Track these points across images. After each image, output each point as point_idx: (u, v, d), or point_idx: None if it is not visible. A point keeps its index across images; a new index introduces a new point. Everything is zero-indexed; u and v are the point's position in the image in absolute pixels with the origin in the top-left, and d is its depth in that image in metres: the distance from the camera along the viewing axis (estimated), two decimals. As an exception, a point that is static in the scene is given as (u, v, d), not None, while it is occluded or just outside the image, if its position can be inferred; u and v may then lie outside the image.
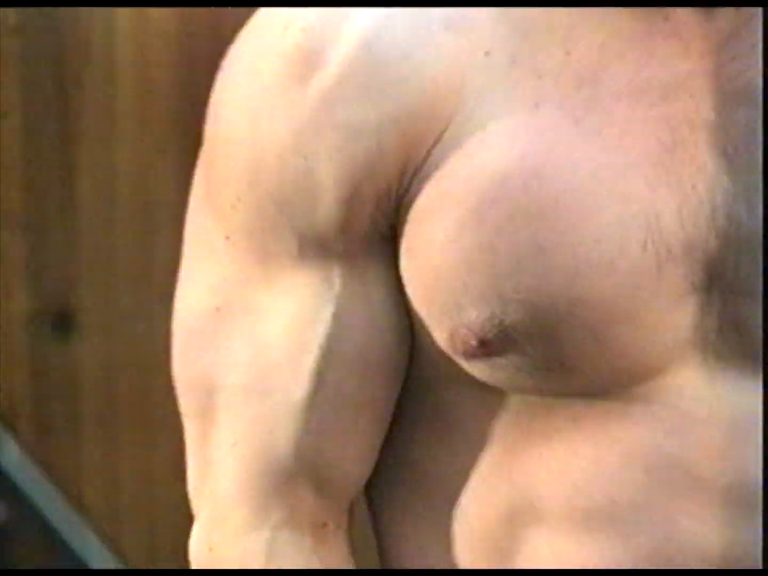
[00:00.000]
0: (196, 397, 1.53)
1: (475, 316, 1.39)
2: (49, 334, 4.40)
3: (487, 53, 1.42)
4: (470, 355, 1.40)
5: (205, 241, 1.51)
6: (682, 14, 1.40)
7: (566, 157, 1.41)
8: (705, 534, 1.44)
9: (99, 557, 4.42)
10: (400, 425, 1.53)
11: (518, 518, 1.47)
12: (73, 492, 4.39)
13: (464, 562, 1.51)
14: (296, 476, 1.47)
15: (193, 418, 1.53)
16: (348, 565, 1.50)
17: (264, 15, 1.46)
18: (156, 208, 4.38)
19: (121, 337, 4.33)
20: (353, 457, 1.50)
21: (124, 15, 4.43)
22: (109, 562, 4.41)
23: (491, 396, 1.46)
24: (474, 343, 1.40)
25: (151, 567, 4.37)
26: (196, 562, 1.55)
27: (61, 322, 4.40)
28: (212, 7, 4.60)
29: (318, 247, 1.43)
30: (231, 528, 1.50)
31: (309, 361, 1.45)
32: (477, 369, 1.41)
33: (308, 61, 1.40)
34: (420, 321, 1.44)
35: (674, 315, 1.42)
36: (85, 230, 4.39)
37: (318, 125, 1.41)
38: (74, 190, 4.42)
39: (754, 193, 1.40)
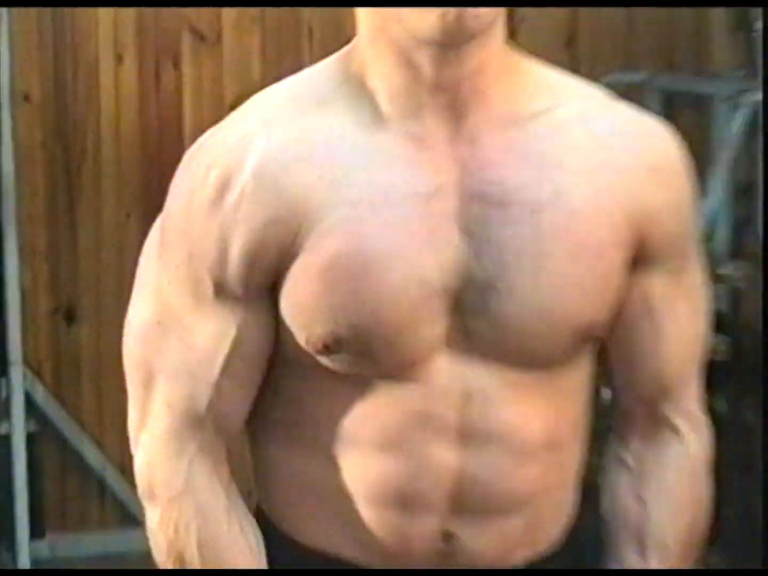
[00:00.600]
0: (140, 375, 1.84)
1: (321, 331, 1.75)
2: (63, 322, 5.18)
3: (320, 177, 1.73)
4: (319, 352, 1.77)
5: (153, 280, 1.84)
6: (440, 146, 1.73)
7: (371, 239, 1.74)
8: (446, 457, 1.79)
9: (91, 454, 5.11)
10: (279, 388, 1.87)
11: (343, 443, 1.82)
12: (73, 412, 5.08)
13: (307, 466, 1.86)
14: (204, 422, 1.81)
15: (138, 387, 1.84)
16: (233, 484, 1.83)
17: (193, 159, 1.78)
18: (128, 244, 4.85)
19: (105, 327, 4.84)
20: (239, 410, 1.84)
21: (111, 121, 5.12)
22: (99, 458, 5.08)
23: (330, 374, 1.80)
24: (320, 345, 1.76)
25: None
26: (144, 482, 1.85)
27: (69, 315, 5.18)
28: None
29: (228, 292, 1.77)
30: (165, 455, 1.82)
31: (219, 357, 1.79)
32: (323, 360, 1.78)
33: (222, 189, 1.73)
34: (292, 331, 1.78)
35: (435, 327, 1.77)
36: (83, 256, 5.16)
37: (230, 226, 1.74)
38: (76, 230, 5.16)
39: (482, 255, 1.73)
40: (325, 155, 1.72)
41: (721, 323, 4.08)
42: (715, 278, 4.16)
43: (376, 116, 1.72)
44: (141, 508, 3.66)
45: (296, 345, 1.76)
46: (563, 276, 1.73)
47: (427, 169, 1.71)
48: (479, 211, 1.70)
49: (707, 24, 5.08)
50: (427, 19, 1.60)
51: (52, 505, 5.06)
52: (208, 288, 1.75)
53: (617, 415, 1.93)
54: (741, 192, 4.40)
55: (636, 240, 1.78)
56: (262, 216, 1.72)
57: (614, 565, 1.88)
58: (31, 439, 4.76)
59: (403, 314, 1.72)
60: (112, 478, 5.12)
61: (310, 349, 1.74)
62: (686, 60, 5.15)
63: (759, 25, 4.57)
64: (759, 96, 4.14)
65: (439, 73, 1.67)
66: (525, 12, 5.10)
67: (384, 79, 1.71)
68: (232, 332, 1.76)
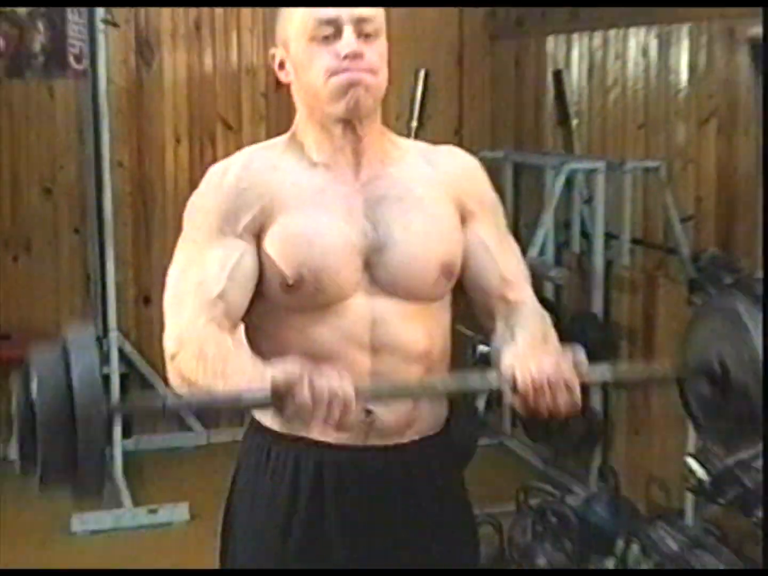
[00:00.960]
0: (173, 302, 1.77)
1: (290, 273, 1.74)
2: (142, 304, 5.11)
3: (285, 179, 1.78)
4: (286, 288, 1.75)
5: (182, 246, 1.80)
6: (348, 176, 1.80)
7: (315, 223, 1.77)
8: (363, 360, 1.77)
9: (159, 385, 4.79)
10: (261, 317, 1.81)
11: (299, 353, 1.68)
12: (148, 359, 4.98)
13: (275, 351, 1.72)
14: (215, 305, 1.73)
15: (171, 307, 1.76)
16: (240, 344, 1.74)
17: (211, 173, 1.82)
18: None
19: None
20: (239, 303, 1.76)
21: (172, 180, 5.09)
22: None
23: (290, 309, 1.78)
24: (289, 282, 1.74)
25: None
26: (168, 350, 1.73)
27: (146, 299, 5.10)
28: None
29: (232, 234, 1.75)
30: (189, 321, 1.73)
31: (227, 267, 1.74)
32: (288, 296, 1.75)
33: (228, 185, 1.77)
34: (269, 276, 1.76)
35: (355, 275, 1.76)
36: (154, 264, 4.98)
37: (234, 201, 1.76)
38: (150, 247, 5.08)
39: (377, 229, 1.77)
40: (285, 173, 1.80)
41: (548, 307, 4.16)
42: (546, 278, 4.17)
43: (310, 161, 1.81)
44: (193, 418, 3.48)
45: (270, 290, 1.76)
46: (424, 235, 1.80)
47: (344, 187, 1.80)
48: (373, 206, 1.79)
49: (542, 121, 5.07)
50: (338, 105, 1.74)
51: (136, 417, 4.83)
52: (220, 233, 1.75)
53: (484, 320, 1.89)
54: (561, 225, 4.42)
55: (458, 207, 1.85)
56: (251, 193, 1.76)
57: (502, 340, 1.80)
58: (122, 377, 4.68)
59: (337, 261, 1.75)
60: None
61: (280, 288, 1.75)
62: (528, 144, 5.14)
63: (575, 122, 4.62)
64: (574, 166, 4.18)
65: (345, 137, 1.79)
66: (430, 112, 5.04)
67: (314, 143, 1.81)
68: (235, 254, 1.74)
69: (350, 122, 1.77)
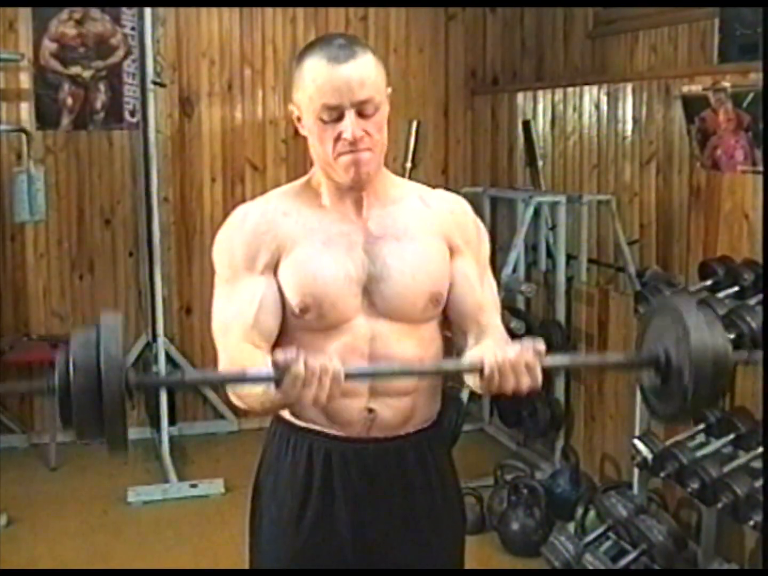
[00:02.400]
0: (221, 332, 1.75)
1: (297, 301, 1.72)
2: (184, 314, 5.10)
3: (296, 222, 1.75)
4: (299, 313, 1.73)
5: (219, 283, 1.78)
6: (352, 216, 1.76)
7: (318, 259, 1.73)
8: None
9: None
10: (285, 332, 1.76)
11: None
12: (190, 360, 4.96)
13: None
14: (252, 332, 1.72)
15: (220, 338, 1.74)
16: (266, 358, 1.60)
17: (233, 216, 1.78)
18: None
19: (205, 316, 4.92)
20: (270, 328, 1.74)
21: (209, 213, 5.05)
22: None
23: (306, 326, 1.74)
24: (298, 309, 1.73)
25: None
26: (223, 364, 1.71)
27: (188, 310, 5.10)
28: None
29: (254, 273, 1.72)
30: (233, 349, 1.72)
31: (257, 300, 1.72)
32: (301, 318, 1.73)
33: (249, 228, 1.74)
34: (286, 298, 1.73)
35: (355, 301, 1.74)
36: (195, 280, 5.04)
37: (254, 245, 1.73)
38: (191, 268, 5.06)
39: (375, 263, 1.73)
40: (297, 216, 1.76)
41: (520, 316, 4.18)
42: (518, 292, 4.18)
43: (321, 204, 1.78)
44: (226, 408, 3.46)
45: (290, 311, 1.74)
46: (416, 270, 1.76)
47: (347, 225, 1.76)
48: (372, 242, 1.75)
49: (514, 162, 5.08)
50: (346, 178, 1.71)
51: (179, 407, 4.99)
52: (245, 272, 1.73)
53: (458, 338, 1.84)
54: (530, 248, 4.43)
55: (447, 243, 1.81)
56: (267, 236, 1.73)
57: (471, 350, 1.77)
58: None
59: (338, 292, 1.72)
60: (210, 393, 5.00)
61: (294, 312, 1.73)
62: (503, 181, 5.15)
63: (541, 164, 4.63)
64: (540, 199, 4.19)
65: (350, 184, 1.74)
66: (421, 156, 5.06)
67: (324, 188, 1.77)
68: (260, 289, 1.72)
69: (356, 175, 1.72)
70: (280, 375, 1.50)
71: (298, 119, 1.75)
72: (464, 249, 1.82)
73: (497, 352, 1.59)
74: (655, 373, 1.60)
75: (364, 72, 1.68)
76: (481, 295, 1.83)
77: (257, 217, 1.75)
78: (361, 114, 1.67)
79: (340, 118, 1.67)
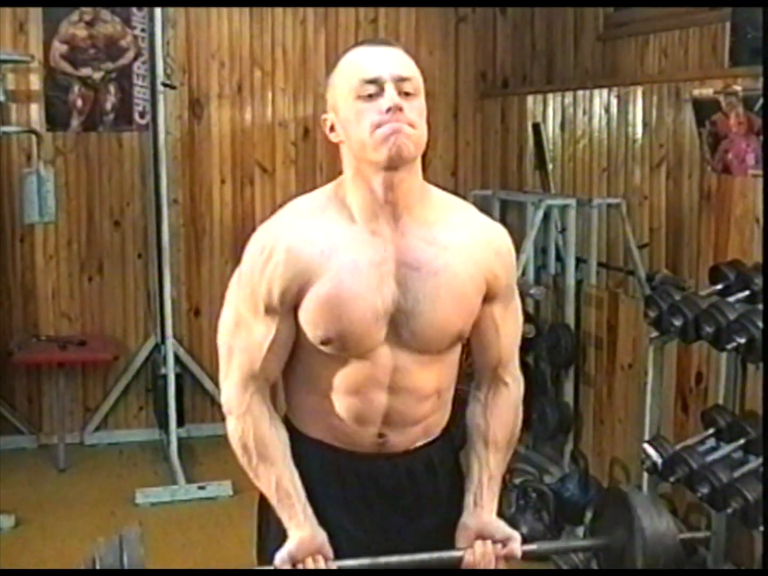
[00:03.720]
0: (225, 350, 1.76)
1: (320, 333, 1.68)
2: (193, 316, 5.11)
3: (323, 249, 1.66)
4: (320, 343, 1.69)
5: (233, 300, 1.75)
6: (385, 237, 1.66)
7: (346, 287, 1.65)
8: (382, 398, 1.73)
9: (207, 383, 4.95)
10: (299, 360, 1.76)
11: (330, 389, 1.73)
12: (198, 362, 5.01)
13: (311, 399, 1.76)
14: (258, 376, 1.73)
15: (224, 357, 1.76)
16: (274, 406, 1.74)
17: (254, 239, 1.70)
18: (226, 276, 4.96)
19: (213, 319, 4.74)
20: (276, 370, 1.75)
21: (217, 215, 5.06)
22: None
23: (325, 355, 1.71)
24: (319, 341, 1.69)
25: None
26: (226, 406, 1.76)
27: (196, 312, 5.10)
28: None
29: (271, 311, 1.69)
30: (237, 392, 1.74)
31: (266, 343, 1.70)
32: (321, 347, 1.69)
33: (268, 258, 1.66)
34: (305, 332, 1.70)
35: (380, 333, 1.69)
36: (203, 283, 5.07)
37: (273, 278, 1.66)
38: (200, 269, 5.07)
39: (406, 296, 1.66)
40: (323, 241, 1.67)
41: (530, 319, 4.16)
42: (528, 295, 4.16)
43: (351, 219, 1.68)
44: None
45: (308, 339, 1.71)
46: (447, 308, 1.70)
47: (379, 249, 1.67)
48: (406, 272, 1.68)
49: (523, 165, 5.06)
50: (382, 151, 1.60)
51: (188, 409, 4.96)
52: (261, 308, 1.69)
53: (475, 375, 1.88)
54: (540, 251, 4.41)
55: (486, 287, 1.75)
56: (289, 273, 1.67)
57: (473, 456, 1.84)
58: (177, 376, 4.63)
59: (363, 326, 1.68)
60: (219, 395, 4.97)
61: (314, 342, 1.70)
62: (512, 184, 5.13)
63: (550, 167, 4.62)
64: (550, 202, 4.18)
65: (386, 195, 1.65)
66: (431, 158, 5.06)
67: (356, 199, 1.68)
68: (273, 330, 1.70)
69: (393, 171, 1.63)
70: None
71: (331, 128, 1.69)
72: (501, 295, 1.78)
73: (478, 556, 1.75)
74: (612, 556, 1.76)
75: (403, 55, 1.67)
76: (505, 343, 1.83)
77: (280, 254, 1.66)
78: (400, 92, 1.61)
79: (379, 93, 1.61)
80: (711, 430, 2.99)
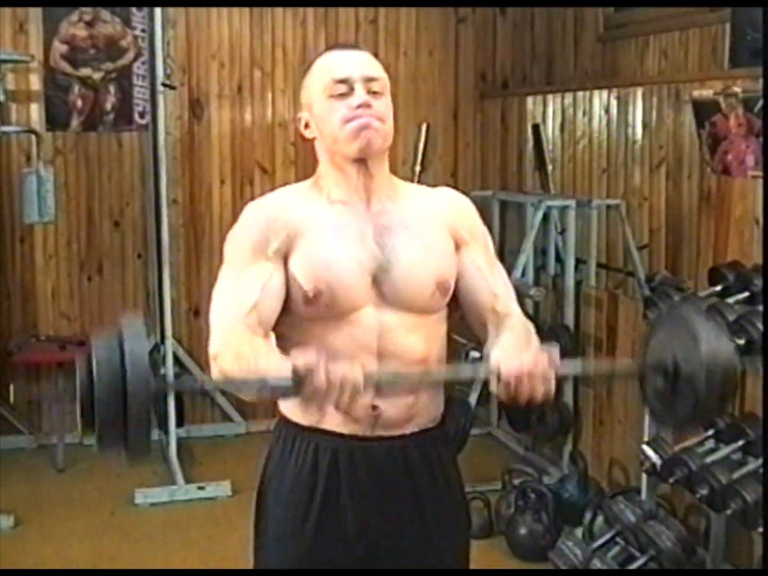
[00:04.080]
0: (216, 315, 1.74)
1: (310, 287, 1.73)
2: (192, 316, 5.07)
3: (307, 212, 1.78)
4: (308, 301, 1.74)
5: (225, 270, 1.78)
6: (360, 210, 1.78)
7: (332, 246, 1.76)
8: (370, 365, 1.70)
9: (207, 383, 4.84)
10: (288, 325, 1.78)
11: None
12: (197, 361, 4.85)
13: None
14: (251, 314, 1.71)
15: (215, 319, 1.73)
16: (270, 345, 1.69)
17: (247, 208, 1.81)
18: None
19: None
20: (268, 314, 1.74)
21: (217, 215, 5.05)
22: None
23: (312, 319, 1.75)
24: (309, 296, 1.73)
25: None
26: (217, 346, 1.68)
27: (195, 312, 5.05)
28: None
29: (264, 258, 1.73)
30: (229, 327, 1.71)
31: (260, 284, 1.72)
32: (309, 308, 1.74)
33: (258, 216, 1.77)
34: (294, 287, 1.74)
35: (365, 291, 1.75)
36: (203, 283, 4.98)
37: (266, 234, 1.74)
38: (199, 269, 5.05)
39: (384, 252, 1.75)
40: (307, 209, 1.79)
41: (529, 319, 4.14)
42: (527, 296, 4.17)
43: (329, 199, 1.81)
44: (234, 410, 3.33)
45: (295, 303, 1.75)
46: (423, 256, 1.79)
47: (356, 218, 1.79)
48: (381, 231, 1.78)
49: (523, 166, 5.07)
50: (353, 146, 1.75)
51: (187, 409, 4.96)
52: (254, 257, 1.73)
53: (478, 330, 1.86)
54: (539, 252, 4.42)
55: (452, 235, 1.84)
56: (279, 225, 1.75)
57: (492, 343, 1.75)
58: (176, 376, 4.53)
59: (351, 279, 1.74)
60: (218, 396, 4.98)
61: (302, 301, 1.74)
62: (512, 185, 5.15)
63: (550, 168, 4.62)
64: (550, 203, 4.18)
65: (359, 178, 1.79)
66: (431, 159, 5.05)
67: (332, 182, 1.81)
68: (266, 275, 1.73)
69: (363, 162, 1.77)
70: (299, 383, 1.48)
71: (306, 125, 1.82)
72: (470, 240, 1.86)
73: (514, 360, 1.59)
74: (663, 381, 1.59)
75: (370, 57, 1.82)
76: (494, 282, 1.85)
77: (270, 206, 1.79)
78: (369, 91, 1.75)
79: (349, 93, 1.75)
80: (710, 432, 3.01)
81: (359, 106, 1.73)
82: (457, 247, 1.84)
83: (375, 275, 1.75)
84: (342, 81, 1.75)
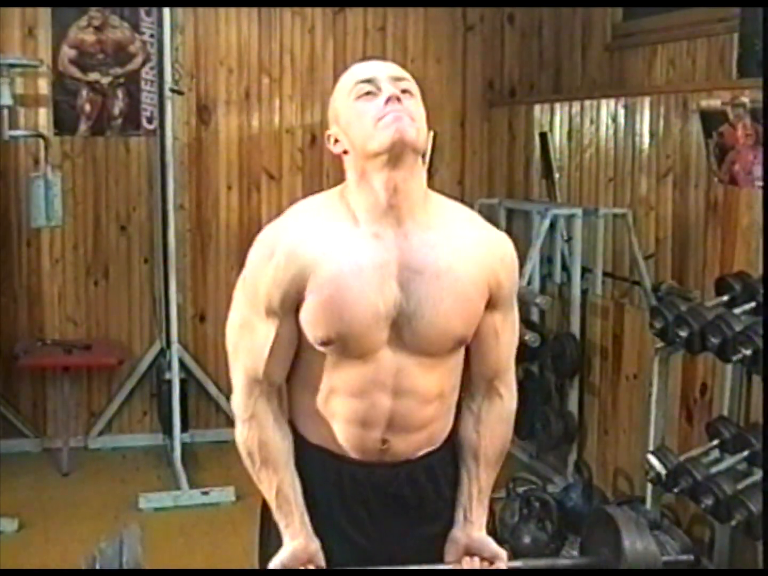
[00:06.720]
0: (232, 351, 1.76)
1: (321, 334, 1.68)
2: (198, 322, 5.08)
3: (326, 249, 1.67)
4: (320, 344, 1.69)
5: (238, 303, 1.76)
6: (388, 240, 1.67)
7: (348, 288, 1.65)
8: (385, 401, 1.72)
9: (211, 388, 4.95)
10: (302, 363, 1.76)
11: (333, 393, 1.73)
12: (203, 367, 5.00)
13: (314, 403, 1.75)
14: (262, 380, 1.73)
15: (231, 356, 1.77)
16: (280, 410, 1.75)
17: (258, 241, 1.71)
18: (232, 282, 4.83)
19: (219, 324, 4.05)
20: (280, 374, 1.75)
21: (224, 221, 5.05)
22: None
23: (327, 357, 1.71)
24: (320, 342, 1.69)
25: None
26: (234, 411, 1.77)
27: (201, 317, 5.07)
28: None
29: (272, 312, 1.69)
30: (242, 396, 1.75)
31: (268, 345, 1.71)
32: (322, 349, 1.70)
33: (270, 258, 1.67)
34: (306, 333, 1.70)
35: (382, 335, 1.69)
36: (209, 288, 5.05)
37: (274, 279, 1.67)
38: (206, 275, 5.06)
39: (409, 299, 1.66)
40: (325, 241, 1.67)
41: (534, 327, 4.17)
42: (533, 304, 4.16)
43: (354, 222, 1.68)
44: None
45: (308, 342, 1.71)
46: (450, 311, 1.70)
47: (381, 251, 1.67)
48: (408, 275, 1.67)
49: (530, 174, 5.07)
50: (384, 139, 1.62)
51: (192, 414, 4.95)
52: (263, 310, 1.70)
53: (469, 385, 1.86)
54: (545, 260, 4.42)
55: (489, 294, 1.76)
56: (289, 274, 1.67)
57: (463, 469, 1.84)
58: (181, 381, 4.63)
59: (363, 327, 1.67)
60: (223, 401, 4.95)
61: (315, 344, 1.70)
62: (519, 193, 5.14)
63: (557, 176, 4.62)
64: (556, 211, 4.18)
65: (390, 199, 1.66)
66: (438, 166, 5.05)
67: (360, 202, 1.68)
68: (274, 333, 1.71)
69: (395, 170, 1.64)
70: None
71: (335, 141, 1.71)
72: (502, 303, 1.78)
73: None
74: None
75: (399, 68, 1.73)
76: (502, 353, 1.82)
77: (284, 253, 1.67)
78: (397, 89, 1.66)
79: (376, 92, 1.65)
80: (715, 442, 3.01)
81: (388, 100, 1.62)
82: (488, 304, 1.76)
83: (395, 321, 1.68)
84: (367, 80, 1.66)
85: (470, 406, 1.85)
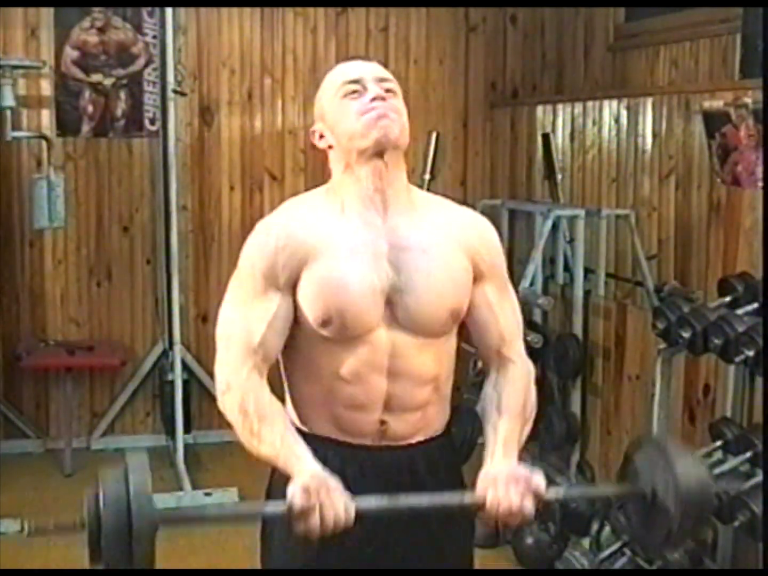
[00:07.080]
0: (223, 341, 1.76)
1: (319, 313, 1.71)
2: (201, 322, 5.08)
3: (319, 232, 1.73)
4: (318, 325, 1.72)
5: (230, 296, 1.78)
6: (376, 223, 1.73)
7: (343, 269, 1.71)
8: (381, 383, 1.75)
9: (214, 389, 5.26)
10: (297, 347, 1.78)
11: (329, 376, 1.75)
12: (205, 368, 4.89)
13: (310, 388, 1.78)
14: (256, 352, 1.73)
15: (221, 345, 1.76)
16: (272, 400, 1.71)
17: (257, 227, 1.77)
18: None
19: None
20: (275, 347, 1.75)
21: (226, 221, 5.09)
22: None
23: (323, 339, 1.74)
24: (319, 321, 1.72)
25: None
26: (223, 384, 1.73)
27: (204, 318, 5.06)
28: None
29: (273, 287, 1.72)
30: (235, 367, 1.73)
31: (268, 318, 1.72)
32: (320, 330, 1.72)
33: (270, 243, 1.73)
34: (304, 314, 1.73)
35: (377, 313, 1.72)
36: (212, 289, 5.02)
37: (275, 258, 1.72)
38: (208, 276, 5.08)
39: (400, 275, 1.71)
40: (319, 226, 1.75)
41: (537, 328, 4.15)
42: (536, 305, 4.15)
43: (343, 211, 1.76)
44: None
45: (306, 323, 1.74)
46: (439, 284, 1.75)
47: (371, 233, 1.74)
48: (397, 253, 1.74)
49: (532, 175, 5.06)
50: (370, 136, 1.71)
51: (195, 415, 4.96)
52: (263, 286, 1.72)
53: (480, 356, 1.90)
54: (548, 261, 4.40)
55: (472, 264, 1.81)
56: (288, 251, 1.72)
57: (487, 426, 1.79)
58: (184, 382, 4.64)
59: (360, 305, 1.71)
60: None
61: (313, 324, 1.73)
62: (521, 194, 5.12)
63: (559, 177, 4.61)
64: (559, 212, 4.18)
65: (375, 184, 1.74)
66: (440, 167, 5.03)
67: (347, 191, 1.76)
68: (274, 306, 1.73)
69: (380, 162, 1.72)
70: (295, 519, 1.58)
71: (320, 137, 1.79)
72: (489, 274, 1.83)
73: (499, 497, 1.65)
74: (641, 507, 1.68)
75: (383, 68, 1.81)
76: (504, 322, 1.85)
77: (279, 232, 1.75)
78: (381, 90, 1.74)
79: (362, 92, 1.74)
80: (718, 443, 2.99)
81: (374, 99, 1.72)
82: (475, 278, 1.81)
83: (388, 297, 1.73)
84: (354, 81, 1.75)
85: (488, 377, 1.86)
